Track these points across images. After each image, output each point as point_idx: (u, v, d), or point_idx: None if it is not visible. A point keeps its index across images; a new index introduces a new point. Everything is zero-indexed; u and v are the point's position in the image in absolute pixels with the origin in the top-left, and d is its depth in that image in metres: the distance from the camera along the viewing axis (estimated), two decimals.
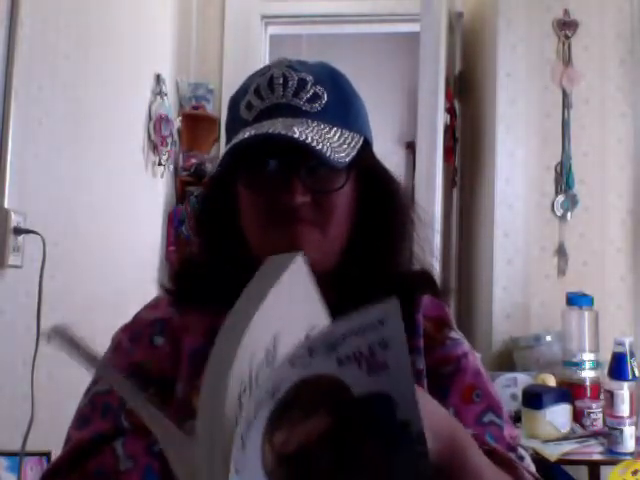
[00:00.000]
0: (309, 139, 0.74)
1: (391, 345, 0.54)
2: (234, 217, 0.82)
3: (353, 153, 0.77)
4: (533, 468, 0.80)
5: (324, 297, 0.64)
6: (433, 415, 0.59)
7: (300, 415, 0.54)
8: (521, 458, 0.79)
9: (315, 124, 0.77)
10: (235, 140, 0.76)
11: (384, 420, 0.56)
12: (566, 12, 2.58)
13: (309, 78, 0.81)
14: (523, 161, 2.58)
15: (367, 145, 0.84)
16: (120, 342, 0.84)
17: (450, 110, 2.91)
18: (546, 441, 1.88)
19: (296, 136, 0.73)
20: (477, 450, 0.64)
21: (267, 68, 0.83)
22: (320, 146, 0.74)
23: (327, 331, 0.55)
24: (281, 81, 0.80)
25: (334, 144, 0.76)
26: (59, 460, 0.77)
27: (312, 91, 0.80)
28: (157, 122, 2.75)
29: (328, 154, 0.74)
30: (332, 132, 0.78)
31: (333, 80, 0.83)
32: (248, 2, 3.28)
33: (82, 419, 0.79)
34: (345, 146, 0.78)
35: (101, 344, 0.88)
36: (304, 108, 0.79)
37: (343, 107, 0.82)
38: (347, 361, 0.54)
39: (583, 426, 2.00)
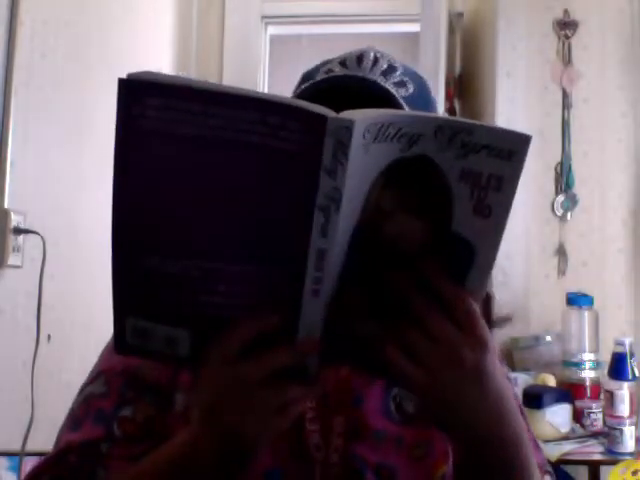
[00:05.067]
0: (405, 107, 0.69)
1: (504, 189, 0.52)
2: None
3: None
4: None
5: None
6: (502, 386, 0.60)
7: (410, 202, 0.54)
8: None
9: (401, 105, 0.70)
10: (314, 80, 0.71)
11: (462, 265, 0.55)
12: (566, 12, 2.58)
13: (399, 67, 0.76)
14: None
15: None
16: None
17: (450, 110, 2.91)
18: (546, 441, 1.88)
19: (397, 94, 0.69)
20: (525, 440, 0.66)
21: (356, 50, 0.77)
22: None
23: (470, 123, 0.53)
24: (372, 58, 0.74)
25: None
26: (45, 461, 0.75)
27: (400, 78, 0.74)
28: None
29: None
30: None
31: (420, 79, 0.78)
32: (248, 2, 3.27)
33: (74, 421, 0.77)
34: None
35: (101, 344, 0.88)
36: (391, 90, 0.71)
37: (425, 105, 0.76)
38: (466, 178, 0.52)
39: (583, 426, 2.00)
